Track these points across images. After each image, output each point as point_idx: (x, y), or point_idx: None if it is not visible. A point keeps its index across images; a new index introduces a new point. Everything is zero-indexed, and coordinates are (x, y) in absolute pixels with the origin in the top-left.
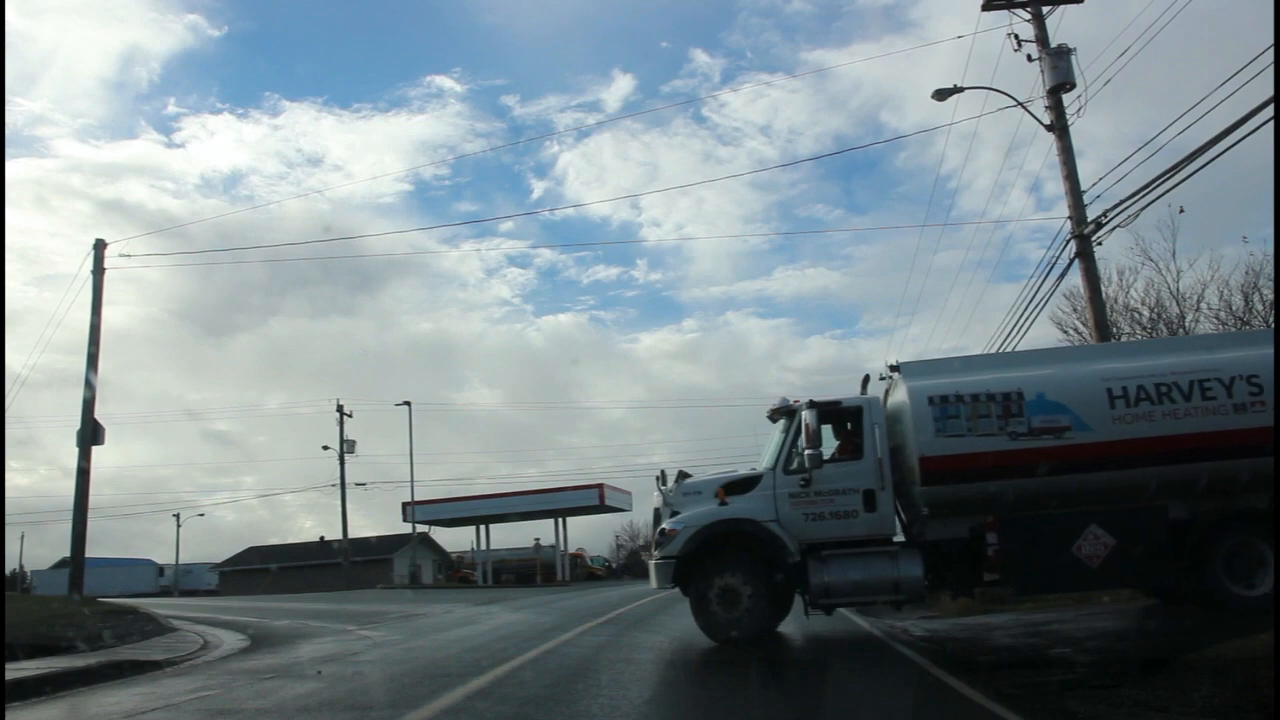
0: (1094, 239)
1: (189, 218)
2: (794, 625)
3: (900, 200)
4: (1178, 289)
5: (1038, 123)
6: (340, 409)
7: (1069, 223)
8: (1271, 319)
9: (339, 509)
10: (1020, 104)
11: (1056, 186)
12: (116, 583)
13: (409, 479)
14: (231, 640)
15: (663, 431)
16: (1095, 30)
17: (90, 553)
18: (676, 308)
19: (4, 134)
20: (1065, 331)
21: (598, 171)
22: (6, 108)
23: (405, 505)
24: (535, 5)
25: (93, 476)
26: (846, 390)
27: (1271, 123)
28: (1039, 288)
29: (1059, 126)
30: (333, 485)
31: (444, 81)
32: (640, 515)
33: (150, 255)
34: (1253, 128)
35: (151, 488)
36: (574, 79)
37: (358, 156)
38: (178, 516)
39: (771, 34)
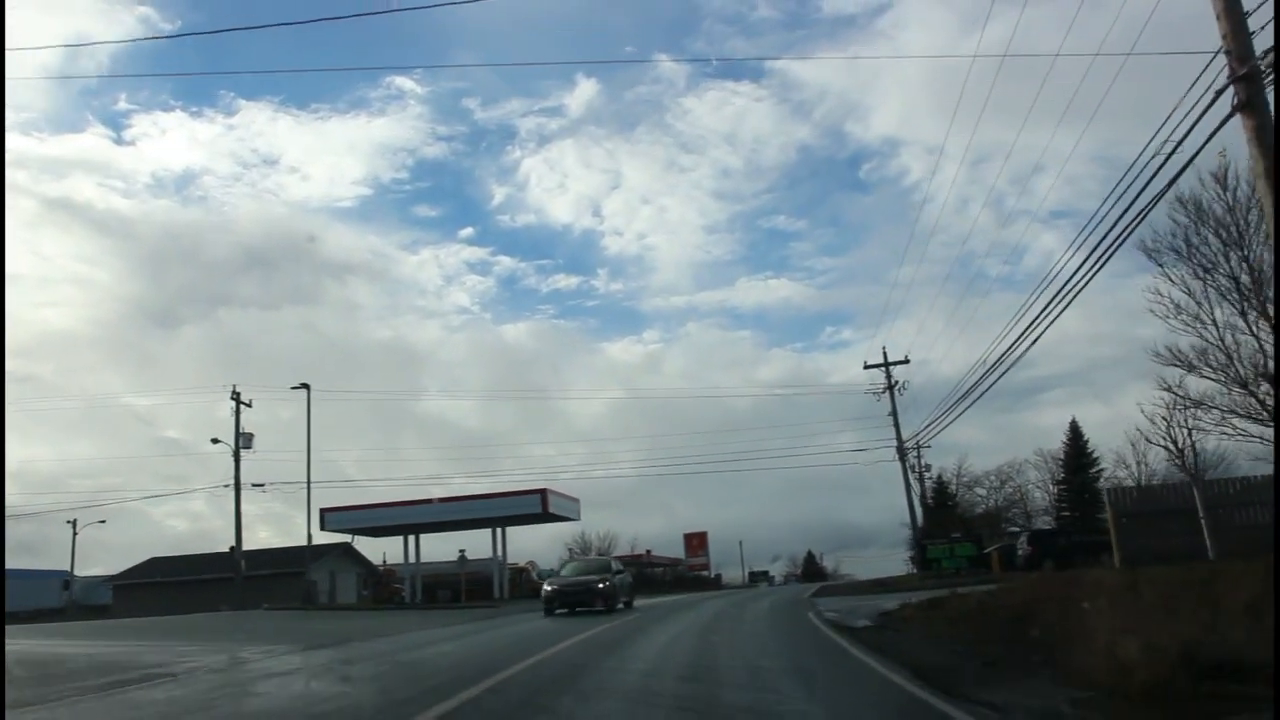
0: (1268, 79)
1: (139, 218)
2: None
3: (871, 213)
4: None
5: None
6: (236, 397)
7: (1224, 59)
8: None
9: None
10: None
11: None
12: (20, 596)
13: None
14: None
15: (626, 443)
16: None
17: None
18: (638, 317)
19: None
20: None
21: (559, 178)
22: None
23: (323, 512)
24: (497, 9)
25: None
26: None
27: None
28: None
29: None
30: (226, 486)
31: (405, 83)
32: (590, 525)
33: None
34: None
35: (98, 489)
36: (537, 83)
37: (315, 158)
38: (74, 523)
39: (736, 41)
